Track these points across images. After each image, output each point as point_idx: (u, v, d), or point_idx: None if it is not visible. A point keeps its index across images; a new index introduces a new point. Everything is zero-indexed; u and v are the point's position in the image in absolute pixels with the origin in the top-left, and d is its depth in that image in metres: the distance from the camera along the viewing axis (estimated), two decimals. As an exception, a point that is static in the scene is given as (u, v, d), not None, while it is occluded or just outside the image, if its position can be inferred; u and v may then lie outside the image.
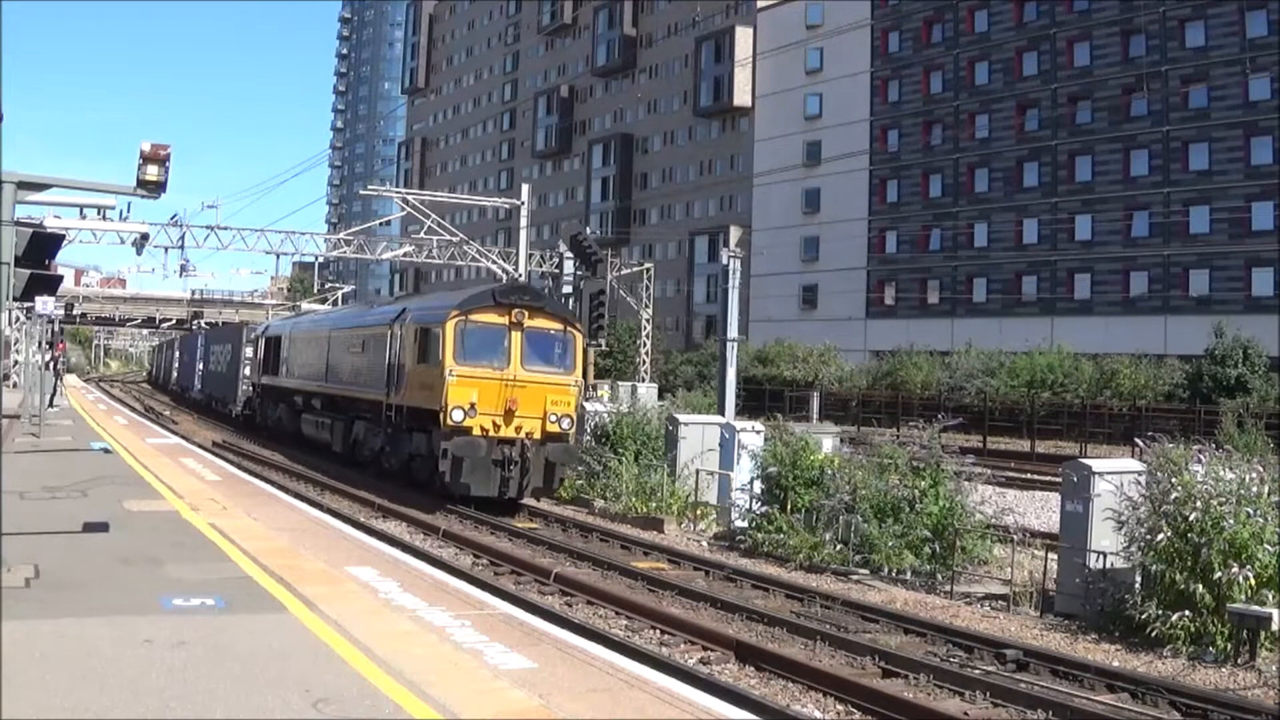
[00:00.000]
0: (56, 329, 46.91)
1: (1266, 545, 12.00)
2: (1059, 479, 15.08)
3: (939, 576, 15.68)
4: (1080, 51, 61.06)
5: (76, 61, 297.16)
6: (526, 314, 20.58)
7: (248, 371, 42.17)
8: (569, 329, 21.51)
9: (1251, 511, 12.13)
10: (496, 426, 19.95)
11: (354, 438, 26.78)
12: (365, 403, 25.54)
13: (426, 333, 21.34)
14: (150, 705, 6.63)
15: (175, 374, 70.98)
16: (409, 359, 22.00)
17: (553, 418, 20.41)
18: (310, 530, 14.51)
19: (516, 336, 20.42)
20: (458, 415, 19.63)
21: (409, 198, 46.73)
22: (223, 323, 75.69)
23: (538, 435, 20.28)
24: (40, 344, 40.22)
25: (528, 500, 21.37)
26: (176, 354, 72.66)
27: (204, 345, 56.62)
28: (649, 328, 58.26)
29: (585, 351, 21.30)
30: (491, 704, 7.06)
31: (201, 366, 56.34)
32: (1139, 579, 12.68)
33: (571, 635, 9.54)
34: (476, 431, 19.73)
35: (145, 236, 38.02)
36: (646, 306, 57.71)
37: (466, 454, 19.48)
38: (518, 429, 20.12)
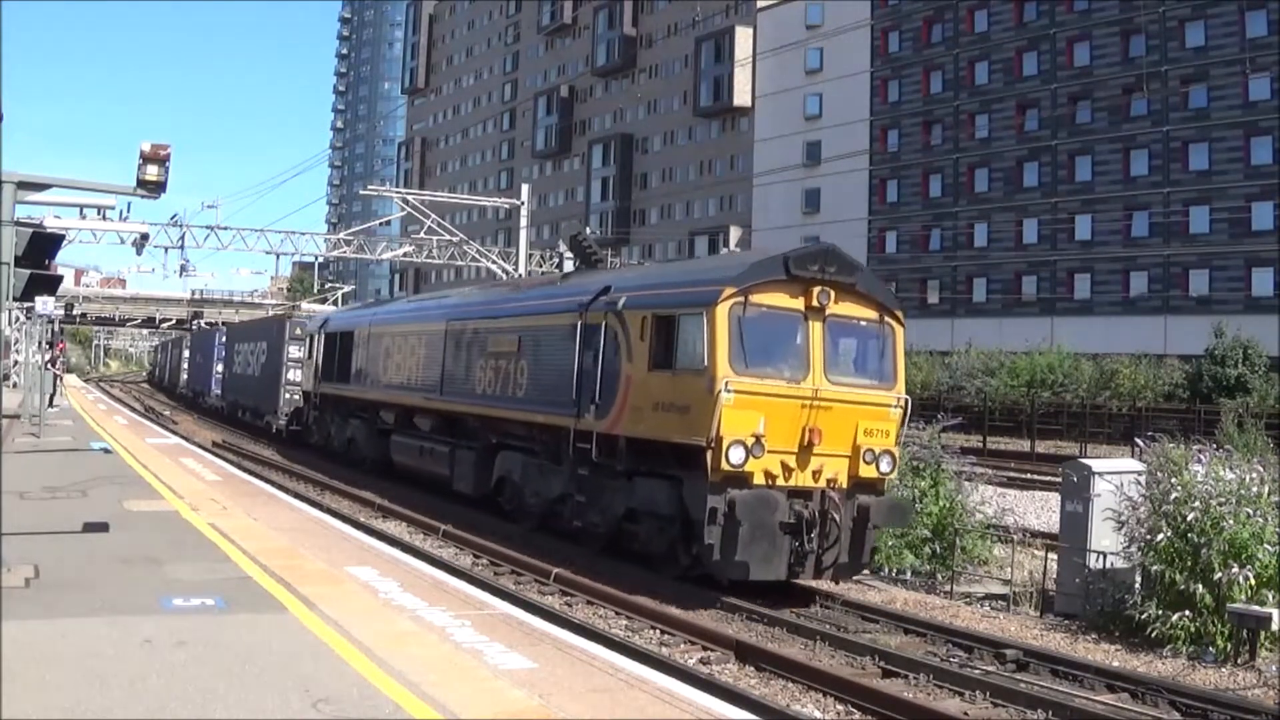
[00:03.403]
0: (56, 329, 46.95)
1: (1266, 545, 12.01)
2: (1059, 479, 15.10)
3: (939, 576, 15.69)
4: (1080, 51, 61.09)
5: (77, 61, 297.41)
6: (832, 293, 13.57)
7: (294, 376, 34.51)
8: (886, 317, 14.29)
9: (1251, 511, 12.14)
10: (788, 471, 13.16)
11: (501, 476, 19.03)
12: (527, 427, 17.75)
13: (671, 323, 14.02)
14: (150, 705, 6.63)
15: (185, 376, 63.51)
16: (631, 363, 14.58)
17: (868, 455, 13.54)
18: (310, 530, 14.51)
19: (817, 329, 13.53)
20: (737, 455, 12.66)
21: (409, 198, 46.78)
22: (215, 320, 73.73)
23: (843, 482, 13.52)
24: (40, 344, 40.26)
25: (817, 582, 14.00)
26: (186, 353, 64.51)
27: (225, 343, 47.77)
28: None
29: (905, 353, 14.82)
30: (491, 704, 7.06)
31: (222, 369, 48.16)
32: (1139, 579, 12.69)
33: (571, 635, 9.54)
34: (759, 479, 12.92)
35: (145, 236, 38.08)
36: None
37: (754, 516, 12.66)
38: (816, 474, 13.36)
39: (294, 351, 34.73)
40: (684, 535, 13.69)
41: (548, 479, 17.22)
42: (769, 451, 13.00)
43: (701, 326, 13.28)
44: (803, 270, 13.45)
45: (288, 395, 34.99)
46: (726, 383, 12.79)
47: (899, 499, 14.64)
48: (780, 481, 13.10)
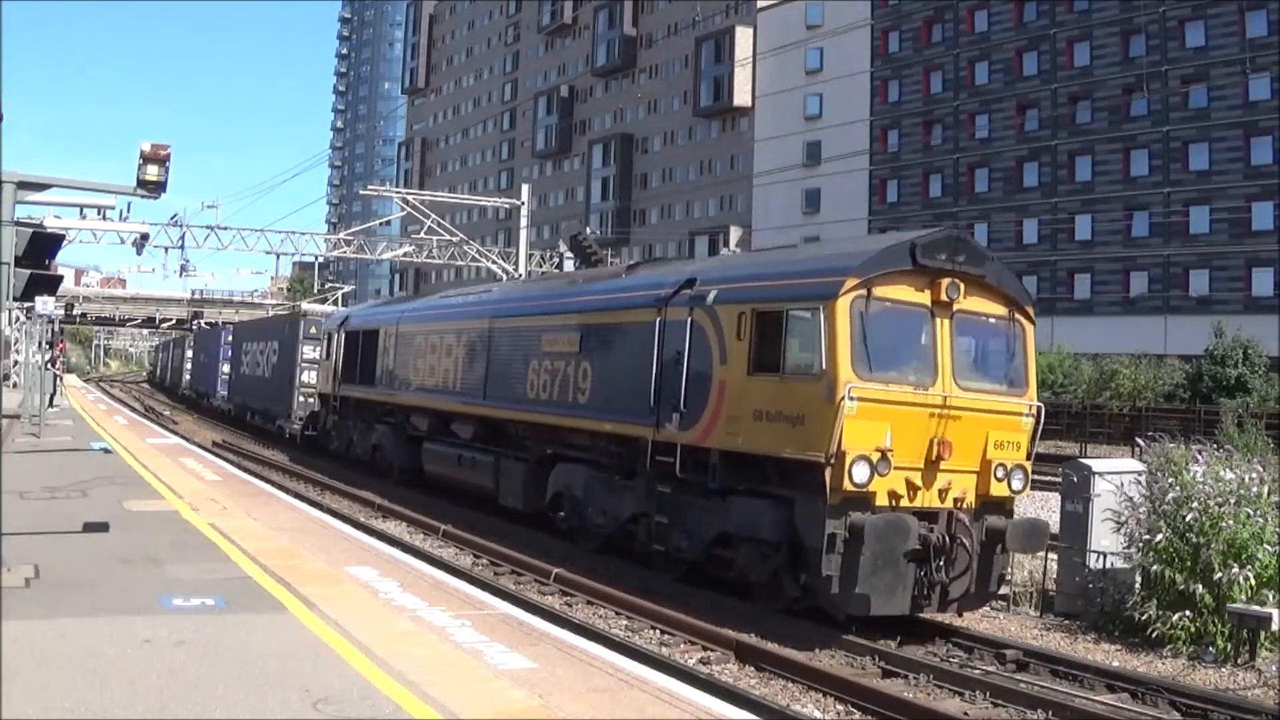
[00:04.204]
0: (56, 329, 46.95)
1: (1266, 545, 12.01)
2: (1059, 479, 15.09)
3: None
4: (1080, 51, 61.11)
5: (77, 61, 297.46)
6: (962, 286, 12.03)
7: (309, 378, 32.54)
8: (1016, 313, 12.77)
9: (1251, 512, 12.13)
10: (913, 490, 11.64)
11: (558, 492, 17.07)
12: (591, 437, 15.99)
13: (778, 320, 12.24)
14: (150, 705, 6.63)
15: (188, 377, 61.68)
16: (726, 366, 12.78)
17: (999, 471, 12.03)
18: (310, 530, 14.51)
19: (944, 327, 12.02)
20: (861, 472, 11.14)
21: (409, 198, 46.79)
22: (215, 319, 73.23)
23: (971, 501, 11.97)
24: (40, 344, 40.27)
25: (940, 615, 12.40)
26: (189, 353, 62.73)
27: (232, 342, 45.77)
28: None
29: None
30: (491, 704, 7.06)
31: (228, 369, 46.13)
32: (1139, 579, 12.69)
33: (571, 635, 9.54)
34: (882, 500, 11.40)
35: (145, 236, 38.07)
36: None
37: (883, 544, 11.18)
38: (943, 492, 11.83)
39: (309, 352, 32.89)
40: (791, 563, 12.03)
41: (617, 496, 15.29)
42: (895, 467, 11.40)
43: (818, 324, 11.63)
44: (930, 259, 11.85)
45: (302, 398, 33.03)
46: (850, 389, 11.15)
47: (1036, 520, 13.03)
48: (904, 502, 11.52)
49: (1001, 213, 64.24)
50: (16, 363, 51.52)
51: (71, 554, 11.36)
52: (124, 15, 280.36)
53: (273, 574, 10.85)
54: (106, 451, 24.08)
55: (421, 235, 49.35)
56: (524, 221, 41.45)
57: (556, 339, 16.90)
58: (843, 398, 11.15)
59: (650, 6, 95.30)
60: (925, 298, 11.94)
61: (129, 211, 33.71)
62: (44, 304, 27.49)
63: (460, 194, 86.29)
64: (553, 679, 7.70)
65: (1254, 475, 12.57)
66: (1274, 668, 11.21)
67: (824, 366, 11.45)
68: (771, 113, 79.28)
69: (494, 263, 46.45)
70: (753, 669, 10.77)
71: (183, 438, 33.01)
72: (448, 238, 47.62)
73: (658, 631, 12.13)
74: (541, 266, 50.41)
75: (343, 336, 27.74)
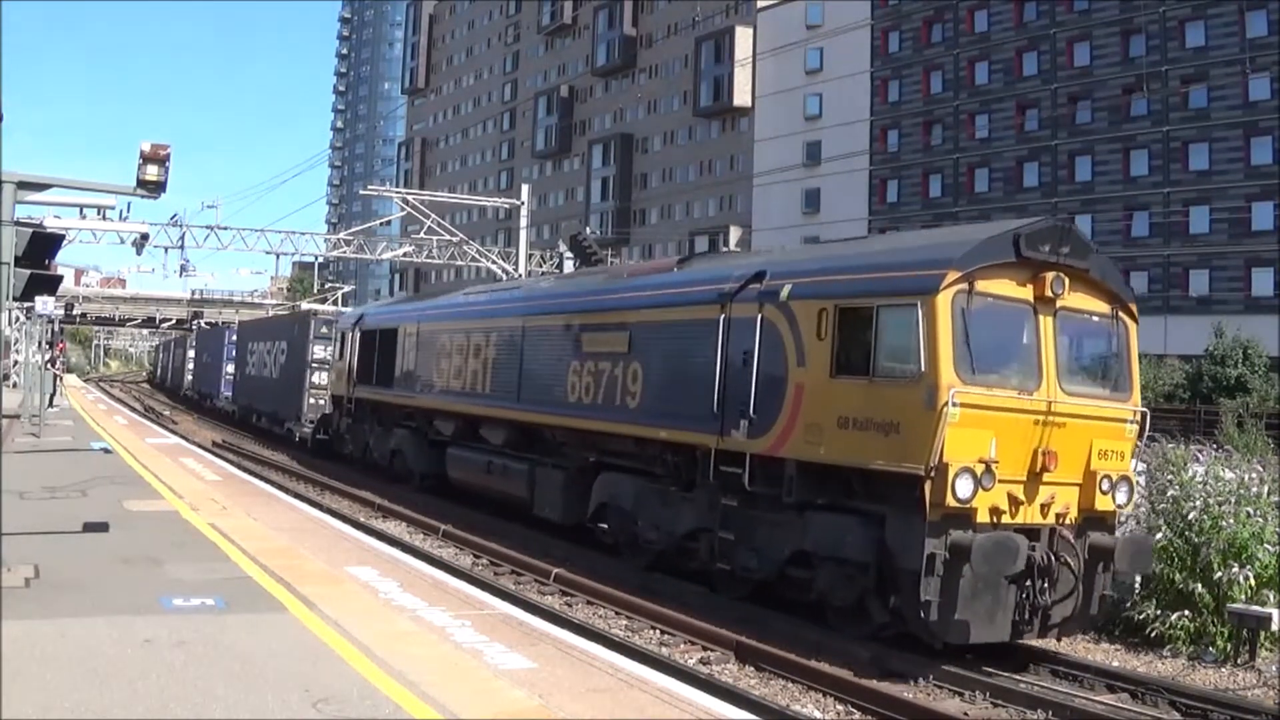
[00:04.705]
0: (56, 329, 46.94)
1: (1266, 545, 12.02)
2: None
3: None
4: (1080, 51, 61.12)
5: (77, 61, 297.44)
6: (1066, 280, 11.10)
7: (320, 379, 31.51)
8: (1120, 311, 11.88)
9: (1251, 511, 12.14)
10: (1015, 505, 10.69)
11: (603, 503, 15.84)
12: (641, 444, 14.78)
13: (867, 317, 11.20)
14: (150, 705, 6.64)
15: (190, 377, 60.49)
16: (804, 368, 11.74)
17: (1104, 483, 11.15)
18: (310, 530, 14.51)
19: (1048, 325, 11.08)
20: (964, 487, 10.21)
21: (409, 198, 46.81)
22: (215, 319, 72.75)
23: (1074, 516, 11.07)
24: (40, 344, 40.27)
25: (1037, 640, 11.48)
26: (191, 353, 61.47)
27: (237, 342, 44.81)
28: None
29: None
30: (491, 704, 7.06)
31: (233, 370, 45.03)
32: (1138, 579, 12.69)
33: (571, 635, 9.54)
34: (983, 516, 10.45)
35: (145, 236, 38.05)
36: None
37: (990, 565, 10.19)
38: (1045, 507, 10.89)
39: (319, 352, 31.75)
40: (879, 586, 11.02)
41: (674, 509, 14.11)
42: (999, 480, 10.45)
43: (914, 321, 10.61)
44: (1034, 251, 10.89)
45: (312, 400, 31.78)
46: (953, 394, 10.16)
47: (1143, 536, 11.97)
48: (1006, 518, 10.56)
49: (1001, 213, 64.10)
50: (16, 363, 51.53)
51: (71, 554, 11.36)
52: (124, 15, 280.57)
53: (273, 574, 10.85)
54: (106, 451, 24.08)
55: (421, 235, 49.35)
56: (524, 221, 41.46)
57: (601, 338, 15.70)
58: (945, 403, 10.12)
59: (650, 6, 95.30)
60: (1028, 293, 11.00)
61: (129, 211, 33.68)
62: (44, 304, 27.47)
63: (460, 194, 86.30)
64: (553, 679, 7.71)
65: (1254, 475, 12.58)
66: (1274, 668, 11.22)
67: (923, 368, 10.43)
68: (771, 113, 79.29)
69: (494, 263, 46.46)
70: (753, 669, 10.77)
71: (182, 438, 33.01)
72: (448, 238, 47.62)
73: (658, 631, 12.13)
74: (541, 266, 50.40)
75: (357, 336, 26.51)
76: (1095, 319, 11.66)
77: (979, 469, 10.24)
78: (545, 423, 17.37)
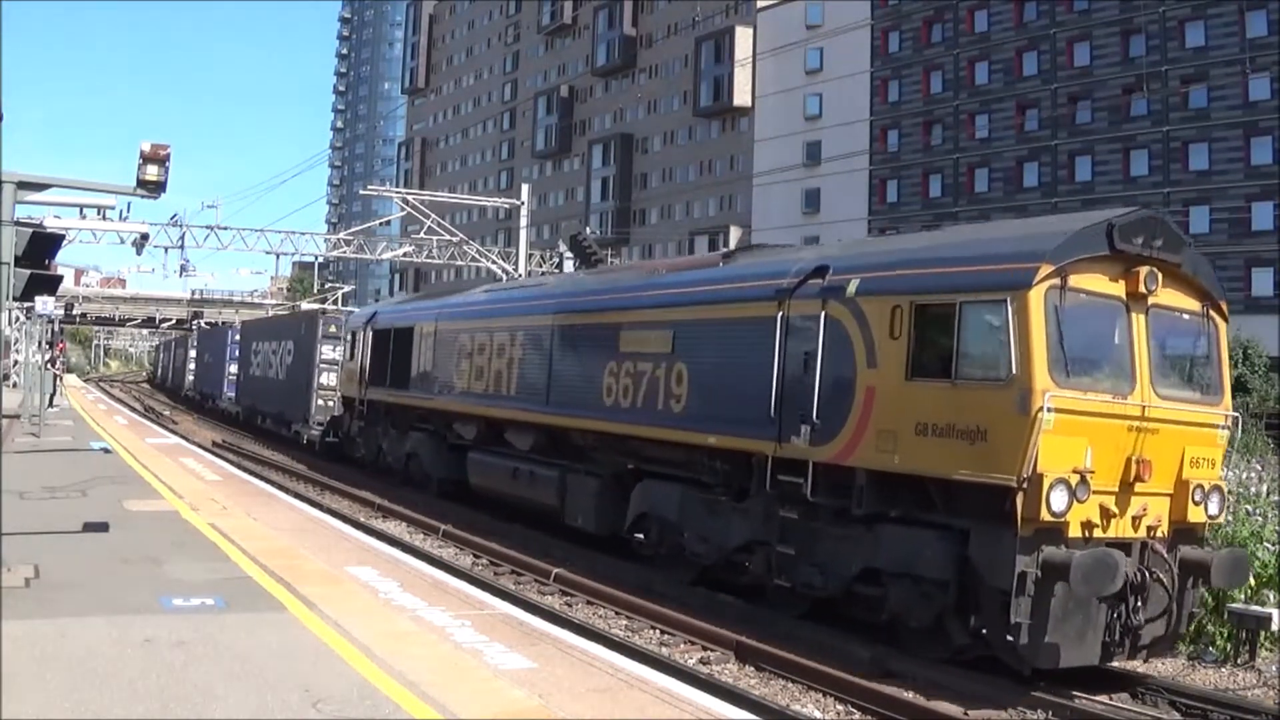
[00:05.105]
0: (56, 329, 46.95)
1: (1266, 545, 12.01)
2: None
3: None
4: (1080, 51, 61.13)
5: (77, 61, 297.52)
6: (1159, 276, 10.43)
7: (328, 380, 30.78)
8: (1211, 309, 11.20)
9: (1251, 510, 12.14)
10: (1106, 517, 10.03)
11: (643, 513, 14.96)
12: (687, 450, 13.84)
13: (948, 314, 10.41)
14: (150, 705, 6.64)
15: (191, 377, 59.74)
16: (876, 369, 10.94)
17: (1196, 494, 10.46)
18: (310, 530, 14.51)
19: (1140, 324, 10.43)
20: (1059, 499, 9.53)
21: (409, 198, 46.78)
22: (215, 320, 72.31)
23: (1165, 529, 10.43)
24: (40, 344, 40.27)
25: (1127, 663, 10.86)
26: (193, 353, 60.61)
27: (240, 341, 44.10)
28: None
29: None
30: (491, 704, 7.06)
31: (236, 370, 44.20)
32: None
33: (571, 635, 9.55)
34: (1075, 531, 9.78)
35: (145, 236, 38.03)
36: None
37: (1089, 584, 9.48)
38: (1136, 520, 10.22)
39: (328, 352, 30.95)
40: (960, 606, 10.28)
41: (724, 520, 13.22)
42: (1094, 491, 9.72)
43: (1004, 319, 9.84)
44: (1127, 244, 10.17)
45: (321, 401, 30.94)
46: (1048, 398, 9.47)
47: (1238, 550, 11.25)
48: (1098, 532, 9.88)
49: (1001, 213, 64.15)
50: (16, 363, 51.53)
51: (71, 554, 11.36)
52: (124, 15, 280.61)
53: (273, 574, 10.85)
54: (106, 451, 24.08)
55: (421, 235, 49.34)
56: (524, 221, 41.46)
57: (641, 338, 14.74)
58: (1040, 409, 9.42)
59: (650, 6, 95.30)
60: (1120, 289, 10.27)
61: (129, 211, 33.63)
62: (44, 304, 27.47)
63: (460, 194, 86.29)
64: (553, 679, 7.71)
65: (1254, 475, 12.58)
66: (1274, 668, 11.22)
67: (1015, 370, 9.65)
68: (771, 113, 79.29)
69: (494, 263, 46.45)
70: (753, 669, 10.77)
71: (183, 438, 33.00)
72: (448, 238, 47.61)
73: (658, 631, 12.13)
74: (541, 266, 50.38)
75: (369, 335, 25.48)
76: (1186, 317, 10.94)
77: (1073, 480, 9.53)
78: (578, 427, 16.35)
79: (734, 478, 13.00)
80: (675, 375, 13.89)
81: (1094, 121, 60.08)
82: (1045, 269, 9.77)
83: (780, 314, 12.12)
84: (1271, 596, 11.79)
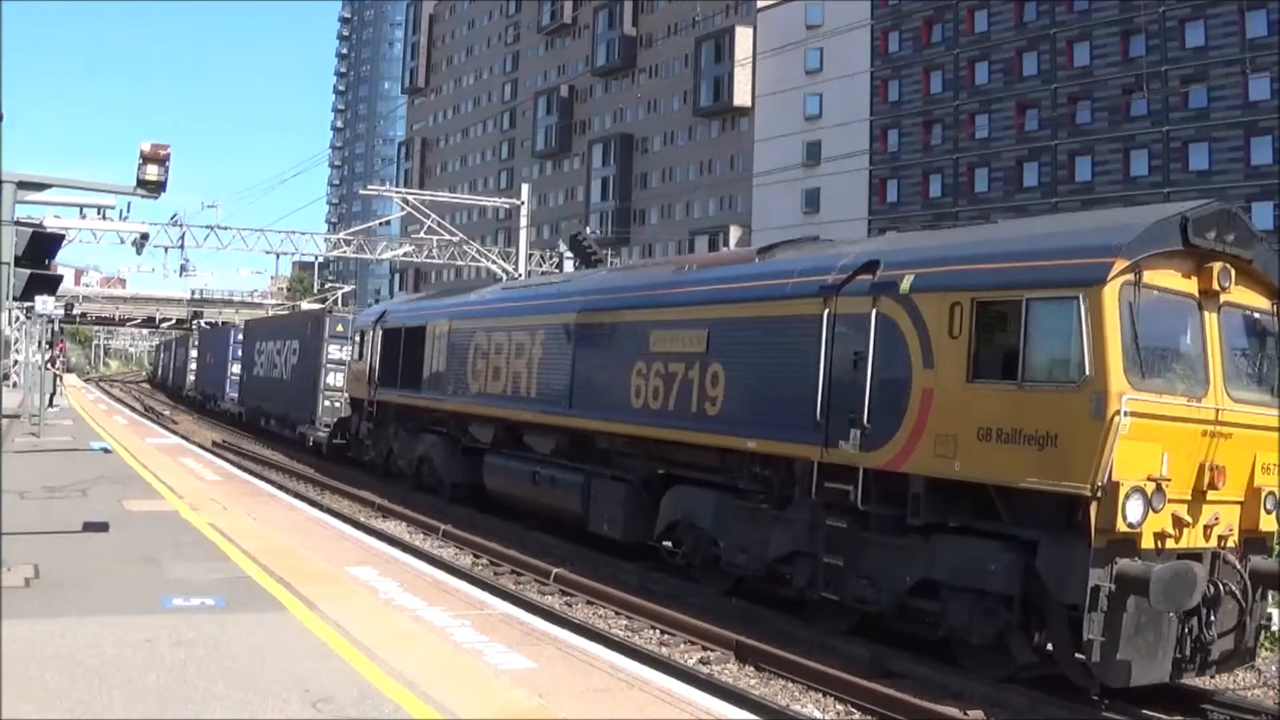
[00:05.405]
0: (56, 329, 46.94)
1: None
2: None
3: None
4: (1080, 51, 61.12)
5: (77, 61, 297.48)
6: (1232, 272, 10.00)
7: (335, 381, 30.32)
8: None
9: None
10: (1179, 527, 9.54)
11: (675, 521, 14.27)
12: (723, 456, 13.41)
13: (1013, 311, 9.92)
14: (150, 705, 6.64)
15: (192, 378, 59.40)
16: (933, 370, 10.43)
17: (1269, 502, 10.10)
18: (310, 530, 14.51)
19: (1212, 323, 10.00)
20: (1135, 509, 9.07)
21: (409, 198, 46.75)
22: (215, 319, 72.02)
23: (1235, 539, 9.99)
24: (40, 344, 40.27)
25: (1197, 680, 10.46)
26: (194, 353, 60.39)
27: (243, 341, 43.79)
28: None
29: None
30: (491, 704, 7.06)
31: (240, 370, 43.74)
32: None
33: (571, 635, 9.55)
34: (1148, 541, 9.31)
35: (145, 236, 37.96)
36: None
37: (1167, 599, 9.10)
38: (1208, 529, 9.81)
39: (334, 352, 30.48)
40: (1025, 622, 9.85)
41: (764, 530, 12.52)
42: (1169, 500, 9.25)
43: (1075, 317, 9.35)
44: (1201, 239, 9.69)
45: (327, 403, 30.46)
46: (1125, 401, 8.97)
47: None
48: (1170, 543, 9.38)
49: (1001, 212, 64.11)
50: (16, 362, 51.53)
51: (71, 554, 11.36)
52: (124, 15, 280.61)
53: (273, 574, 10.85)
54: (106, 451, 24.08)
55: (421, 235, 49.28)
56: (524, 221, 41.45)
57: (672, 336, 14.13)
58: (1116, 413, 8.91)
59: (650, 6, 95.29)
60: (1192, 286, 9.81)
61: (129, 211, 33.51)
62: (44, 304, 27.47)
63: (460, 194, 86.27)
64: (553, 679, 7.71)
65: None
66: (1274, 668, 11.21)
67: (1088, 372, 9.17)
68: (771, 113, 79.27)
69: (494, 263, 46.43)
70: (753, 669, 10.77)
71: (183, 437, 33.01)
72: (448, 238, 47.57)
73: (658, 631, 12.13)
74: (541, 266, 50.35)
75: (379, 334, 24.74)
76: (1257, 316, 10.42)
77: (1149, 488, 9.07)
78: (604, 430, 15.70)
79: (775, 484, 12.47)
80: (710, 376, 13.30)
81: (1094, 121, 60.07)
82: (1119, 264, 9.28)
83: (827, 311, 11.57)
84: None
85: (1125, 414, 8.93)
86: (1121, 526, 8.94)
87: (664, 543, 14.66)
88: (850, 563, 11.25)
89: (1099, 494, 8.95)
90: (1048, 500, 9.38)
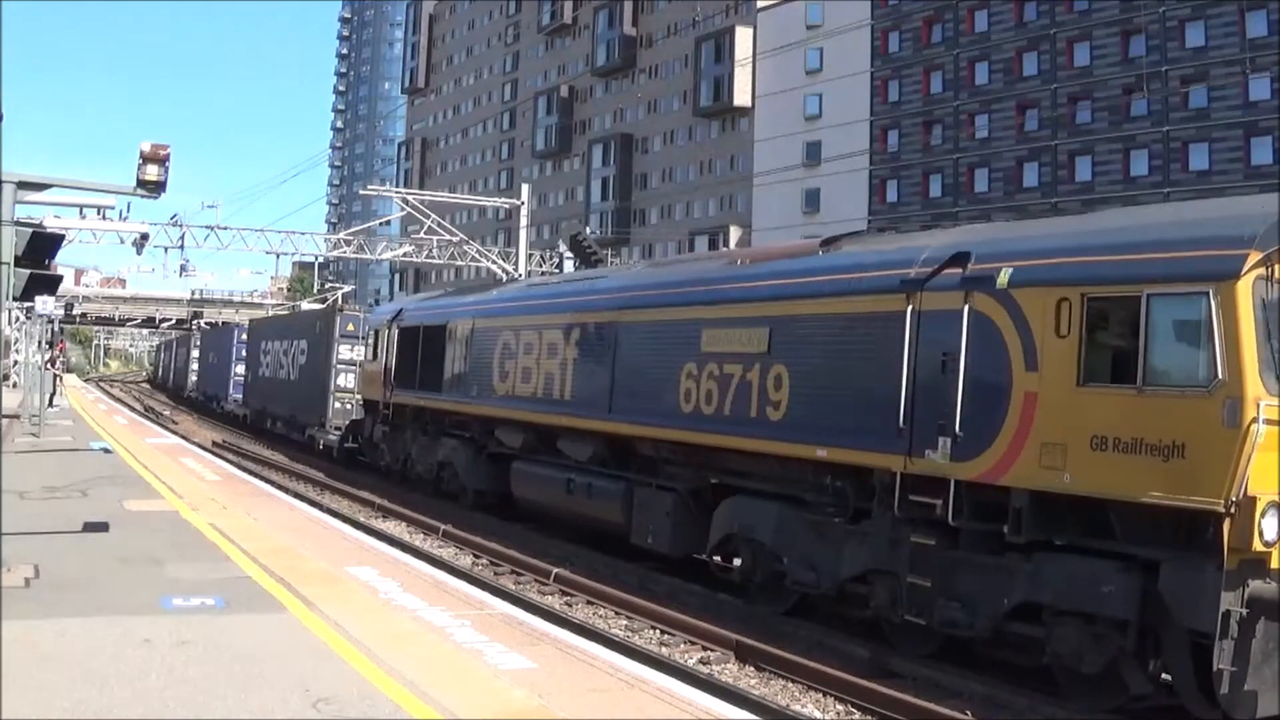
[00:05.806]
0: (56, 329, 46.94)
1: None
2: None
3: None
4: (1080, 51, 61.12)
5: (77, 61, 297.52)
6: None
7: (346, 382, 29.40)
8: None
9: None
10: None
11: (730, 534, 13.14)
12: (784, 464, 12.37)
13: (1133, 308, 8.96)
14: (150, 705, 6.64)
15: (194, 378, 58.63)
16: (1037, 372, 9.46)
17: None
18: (310, 530, 14.52)
19: None
20: (1272, 525, 8.26)
21: (409, 198, 46.78)
22: (215, 319, 71.52)
23: None
24: (40, 344, 40.27)
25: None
26: (196, 353, 59.35)
27: (248, 341, 42.86)
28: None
29: None
30: (491, 704, 7.07)
31: (244, 371, 42.88)
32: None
33: (571, 635, 9.55)
34: (1276, 561, 8.47)
35: (145, 236, 37.98)
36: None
37: None
38: None
39: (345, 352, 29.55)
40: (1140, 649, 8.94)
41: (836, 546, 11.49)
42: None
43: (1205, 315, 8.46)
44: None
45: (338, 405, 29.42)
46: (1262, 408, 8.10)
47: None
48: None
49: (1001, 213, 64.12)
50: (16, 363, 51.54)
51: (71, 554, 11.36)
52: (124, 15, 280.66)
53: (273, 574, 10.85)
54: (106, 451, 24.09)
55: (421, 235, 49.29)
56: (524, 221, 41.46)
57: (728, 335, 12.98)
58: (1253, 420, 8.06)
59: (650, 6, 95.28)
60: None
61: (129, 211, 33.59)
62: (44, 304, 27.47)
63: (460, 194, 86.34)
64: (553, 679, 7.71)
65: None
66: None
67: (1221, 375, 8.28)
68: (771, 113, 79.27)
69: (494, 263, 46.43)
70: (753, 669, 10.77)
71: (182, 437, 33.02)
72: (448, 238, 47.58)
73: (658, 631, 12.13)
74: (541, 266, 50.36)
75: (395, 333, 23.51)
76: None
77: None
78: (648, 436, 14.65)
79: (848, 496, 11.46)
80: (773, 378, 12.17)
81: (1094, 121, 60.08)
82: (1254, 256, 8.36)
83: (910, 308, 10.52)
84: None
85: (1263, 422, 8.09)
86: (1258, 545, 8.12)
87: (714, 557, 13.48)
88: (938, 584, 10.23)
89: (1233, 510, 8.13)
90: (1171, 516, 8.58)
